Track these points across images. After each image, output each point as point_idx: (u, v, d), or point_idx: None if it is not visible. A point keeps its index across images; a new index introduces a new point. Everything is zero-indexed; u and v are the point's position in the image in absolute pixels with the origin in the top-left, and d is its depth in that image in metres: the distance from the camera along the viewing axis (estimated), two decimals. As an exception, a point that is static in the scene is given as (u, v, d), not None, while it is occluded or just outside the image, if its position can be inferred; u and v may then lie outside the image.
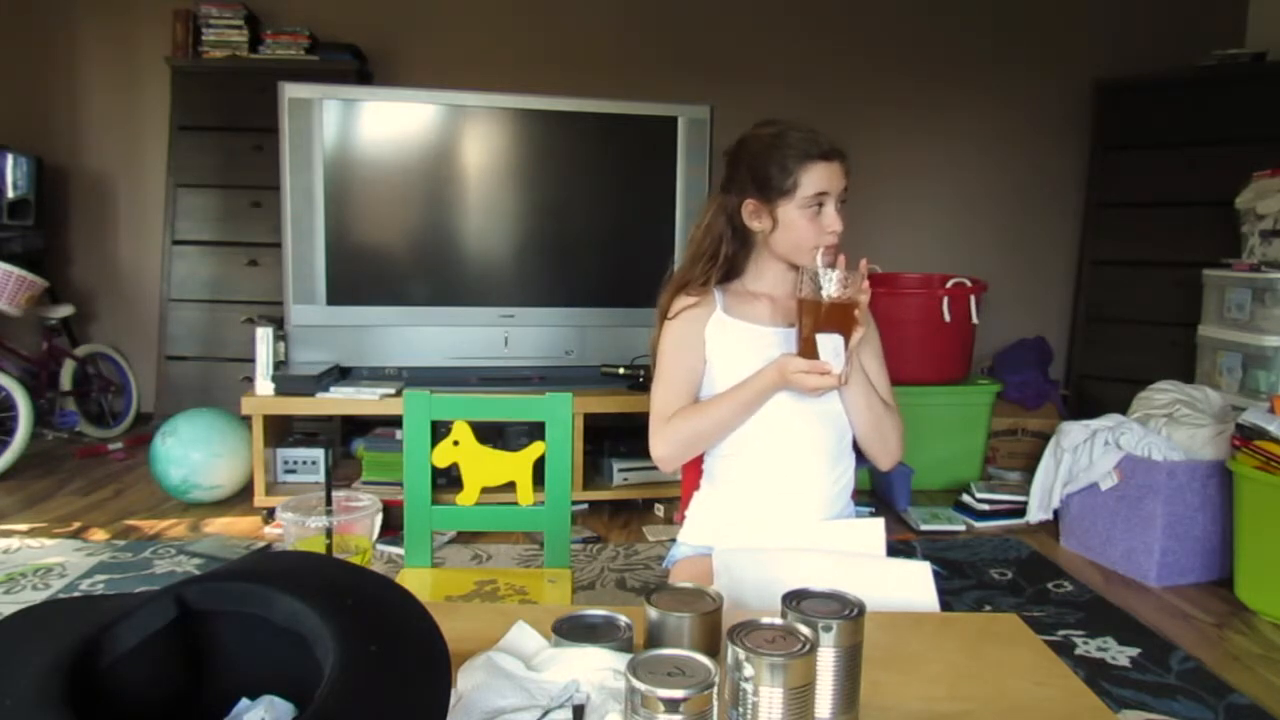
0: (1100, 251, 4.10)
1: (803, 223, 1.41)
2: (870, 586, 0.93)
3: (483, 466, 1.63)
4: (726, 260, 1.50)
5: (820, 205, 1.41)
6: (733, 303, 1.49)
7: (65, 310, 3.92)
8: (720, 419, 1.43)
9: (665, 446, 1.45)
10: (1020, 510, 3.10)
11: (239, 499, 3.10)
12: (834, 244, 1.43)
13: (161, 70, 3.95)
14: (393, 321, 3.19)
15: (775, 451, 1.44)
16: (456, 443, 1.61)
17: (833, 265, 1.35)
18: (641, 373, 3.16)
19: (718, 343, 1.47)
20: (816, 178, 1.40)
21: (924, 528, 3.06)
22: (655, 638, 0.82)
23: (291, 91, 3.05)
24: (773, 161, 1.41)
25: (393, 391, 2.99)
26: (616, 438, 3.20)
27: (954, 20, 4.21)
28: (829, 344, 1.29)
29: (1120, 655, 2.15)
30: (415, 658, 0.66)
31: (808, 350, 1.32)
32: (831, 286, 1.28)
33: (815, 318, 1.30)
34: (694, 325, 1.47)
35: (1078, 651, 2.17)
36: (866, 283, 1.34)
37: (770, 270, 1.50)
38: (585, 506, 3.17)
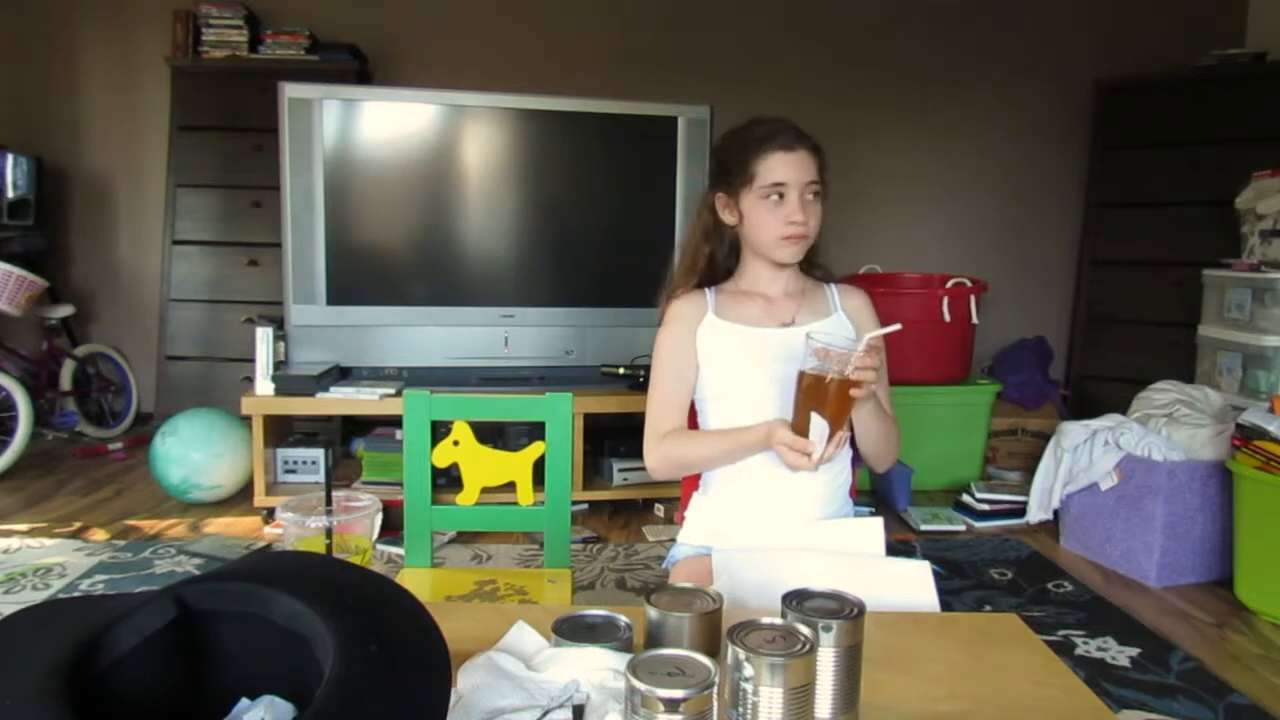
0: (1100, 251, 4.10)
1: (762, 213, 1.42)
2: (870, 586, 0.93)
3: (483, 466, 1.63)
4: (710, 258, 1.51)
5: (780, 195, 1.40)
6: (725, 303, 1.49)
7: (65, 310, 3.92)
8: (707, 457, 1.47)
9: (657, 464, 1.47)
10: (1020, 510, 3.10)
11: (239, 499, 3.10)
12: (799, 235, 1.41)
13: (161, 70, 3.95)
14: (393, 321, 3.19)
15: (771, 453, 1.43)
16: (456, 443, 1.61)
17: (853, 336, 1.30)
18: (641, 373, 3.16)
19: (710, 346, 1.47)
20: (774, 167, 1.40)
21: (924, 528, 3.06)
22: (655, 638, 0.82)
23: (291, 91, 3.05)
24: (734, 152, 1.43)
25: (393, 391, 2.99)
26: (616, 438, 3.19)
27: (954, 20, 4.21)
28: (817, 424, 1.25)
29: (1120, 655, 2.15)
30: (415, 658, 0.66)
31: (798, 423, 1.28)
32: (832, 364, 1.23)
33: (810, 393, 1.26)
34: (686, 329, 1.48)
35: (1078, 651, 2.17)
36: (879, 356, 1.27)
37: (756, 267, 1.50)
38: (585, 506, 3.17)
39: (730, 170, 1.43)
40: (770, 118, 1.45)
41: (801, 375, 1.26)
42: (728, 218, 1.47)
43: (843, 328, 1.50)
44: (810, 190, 1.41)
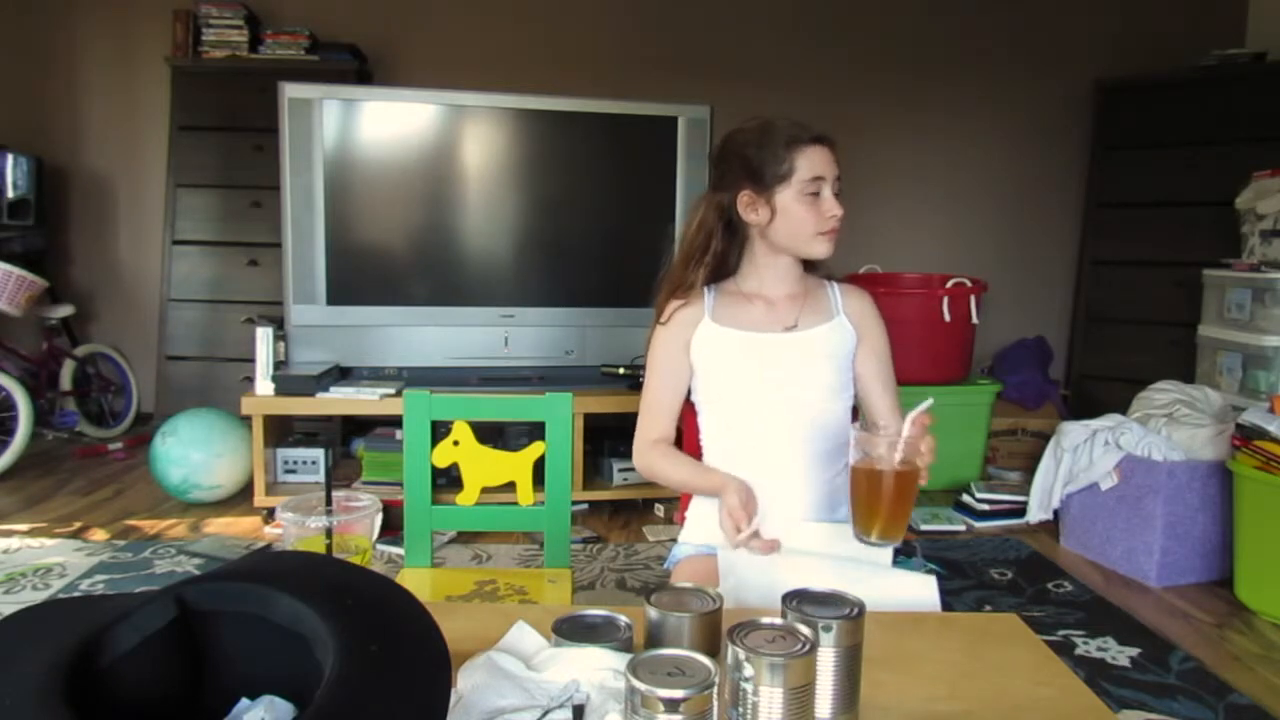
0: (1100, 251, 4.10)
1: (801, 209, 1.40)
2: (875, 595, 0.92)
3: (483, 466, 1.63)
4: (716, 256, 1.48)
5: (818, 190, 1.40)
6: (724, 305, 1.47)
7: (65, 310, 3.92)
8: (679, 482, 1.52)
9: (642, 469, 1.51)
10: (1020, 510, 3.10)
11: (239, 499, 3.10)
12: (835, 229, 1.42)
13: (161, 70, 3.95)
14: (393, 321, 3.19)
15: (767, 455, 1.43)
16: (456, 443, 1.61)
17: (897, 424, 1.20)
18: (641, 373, 3.16)
19: (706, 352, 1.46)
20: (811, 161, 1.39)
21: (924, 528, 3.06)
22: (655, 638, 0.82)
23: (291, 91, 3.05)
24: (765, 149, 1.40)
25: (393, 391, 2.99)
26: (616, 438, 3.19)
27: (954, 20, 4.21)
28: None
29: (1120, 655, 2.15)
30: (415, 658, 0.66)
31: (862, 518, 1.14)
32: (887, 450, 1.10)
33: (868, 488, 1.12)
34: (680, 333, 1.47)
35: (1078, 651, 2.17)
36: (928, 434, 1.14)
37: (764, 268, 1.48)
38: (585, 506, 3.17)
39: (762, 166, 1.39)
40: (780, 116, 1.44)
41: (854, 471, 1.14)
42: (752, 216, 1.43)
43: (843, 331, 1.49)
44: (838, 184, 1.42)
